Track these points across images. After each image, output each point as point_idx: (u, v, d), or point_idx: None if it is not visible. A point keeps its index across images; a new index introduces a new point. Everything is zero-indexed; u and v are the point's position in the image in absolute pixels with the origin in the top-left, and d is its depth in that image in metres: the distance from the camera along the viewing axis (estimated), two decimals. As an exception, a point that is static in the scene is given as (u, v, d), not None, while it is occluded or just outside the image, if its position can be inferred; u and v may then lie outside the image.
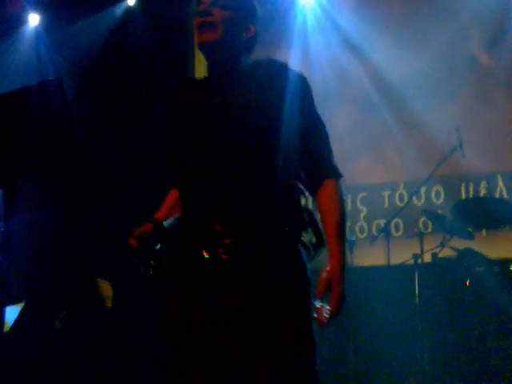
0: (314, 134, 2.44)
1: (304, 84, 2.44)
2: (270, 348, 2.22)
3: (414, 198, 6.24)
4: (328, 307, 2.28)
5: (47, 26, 7.03)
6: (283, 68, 2.44)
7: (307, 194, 2.47)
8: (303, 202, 2.43)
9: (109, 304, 5.06)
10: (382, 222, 6.18)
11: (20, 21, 7.05)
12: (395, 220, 6.16)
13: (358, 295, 5.42)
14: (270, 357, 2.21)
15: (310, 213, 2.39)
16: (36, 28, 7.10)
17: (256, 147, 2.31)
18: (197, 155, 2.33)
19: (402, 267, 5.58)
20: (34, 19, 7.10)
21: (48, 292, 5.23)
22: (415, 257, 5.40)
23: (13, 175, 2.40)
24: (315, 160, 2.43)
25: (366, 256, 5.98)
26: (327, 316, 2.26)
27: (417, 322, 5.18)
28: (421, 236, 5.60)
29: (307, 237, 2.36)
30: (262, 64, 2.46)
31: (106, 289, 5.23)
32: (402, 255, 5.66)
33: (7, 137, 2.43)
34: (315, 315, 2.28)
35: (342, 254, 2.35)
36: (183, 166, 2.38)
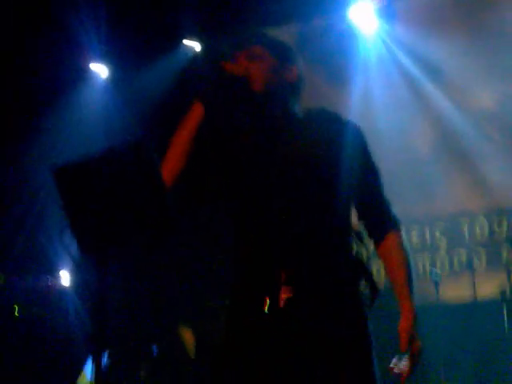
0: (373, 185, 2.41)
1: (360, 135, 2.40)
2: None
3: (496, 227, 6.06)
4: (404, 363, 2.26)
5: (115, 77, 7.14)
6: (337, 119, 2.40)
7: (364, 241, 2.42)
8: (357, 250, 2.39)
9: (191, 355, 5.04)
10: (464, 255, 6.02)
11: (85, 73, 7.18)
12: (478, 252, 5.98)
13: (445, 334, 5.25)
14: None
15: (363, 264, 2.35)
16: (103, 79, 7.20)
17: (316, 198, 2.28)
18: (257, 202, 2.30)
19: (488, 302, 5.40)
20: (101, 70, 7.21)
21: (133, 341, 5.26)
22: (502, 292, 5.22)
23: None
24: (376, 213, 2.41)
25: (450, 292, 5.81)
26: (405, 371, 2.25)
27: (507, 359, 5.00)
28: (507, 267, 5.42)
29: (363, 288, 2.33)
30: (315, 113, 2.43)
31: (189, 338, 5.22)
32: (488, 289, 5.47)
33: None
34: (395, 371, 2.26)
35: (413, 310, 2.30)
36: (244, 210, 2.34)
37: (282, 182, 2.28)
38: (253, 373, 2.21)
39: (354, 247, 2.36)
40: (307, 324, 2.20)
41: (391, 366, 2.27)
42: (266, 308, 2.22)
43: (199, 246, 6.10)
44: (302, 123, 2.39)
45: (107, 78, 7.22)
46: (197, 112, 2.31)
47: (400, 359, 2.27)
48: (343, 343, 2.20)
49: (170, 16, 6.58)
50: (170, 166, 2.29)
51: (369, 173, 2.40)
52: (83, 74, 7.15)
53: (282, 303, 2.20)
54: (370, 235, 2.41)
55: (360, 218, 2.40)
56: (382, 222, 2.40)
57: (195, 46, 7.00)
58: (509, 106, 6.21)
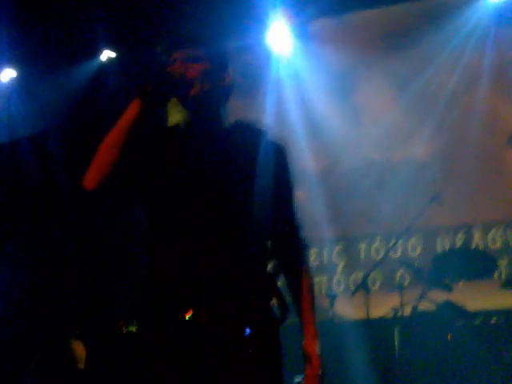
0: (289, 205, 2.48)
1: (285, 154, 2.46)
2: None
3: (391, 251, 6.19)
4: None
5: (21, 81, 6.95)
6: (265, 135, 2.44)
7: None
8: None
9: (81, 366, 4.91)
10: (360, 275, 6.13)
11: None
12: (372, 273, 6.09)
13: (338, 351, 5.32)
14: None
15: (275, 283, 2.42)
16: (9, 83, 6.98)
17: (232, 214, 2.30)
18: (176, 207, 2.30)
19: (381, 321, 5.50)
20: (6, 74, 6.98)
21: (18, 351, 5.08)
22: (395, 311, 5.33)
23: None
24: (289, 234, 2.47)
25: (345, 310, 5.90)
26: None
27: (397, 378, 5.10)
28: (400, 289, 5.53)
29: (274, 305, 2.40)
30: (242, 125, 2.47)
31: (79, 349, 5.09)
32: (381, 308, 5.58)
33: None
34: None
35: (316, 334, 2.43)
36: (162, 216, 2.33)
37: (202, 193, 2.30)
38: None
39: (268, 265, 2.40)
40: (221, 336, 2.24)
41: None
42: (187, 317, 2.24)
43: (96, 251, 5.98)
44: (228, 132, 2.42)
45: (12, 81, 6.98)
46: (134, 109, 2.30)
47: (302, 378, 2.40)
48: (255, 354, 2.26)
49: (88, 25, 6.49)
50: (102, 159, 2.29)
51: (284, 192, 2.46)
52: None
53: (200, 316, 2.23)
54: (277, 257, 2.48)
55: (270, 238, 2.45)
56: (291, 245, 2.47)
57: (113, 55, 6.91)
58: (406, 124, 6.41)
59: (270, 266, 2.43)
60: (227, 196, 2.31)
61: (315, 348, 2.41)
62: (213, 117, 2.42)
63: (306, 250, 2.52)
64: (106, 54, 6.87)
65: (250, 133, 2.44)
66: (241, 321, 2.27)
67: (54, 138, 6.48)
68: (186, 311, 2.24)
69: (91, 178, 2.28)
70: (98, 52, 6.88)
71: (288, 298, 2.43)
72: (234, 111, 2.50)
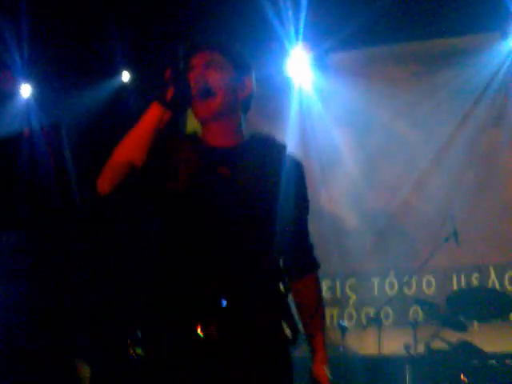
0: (303, 223, 2.42)
1: (301, 171, 2.42)
2: None
3: (405, 287, 6.09)
4: None
5: (39, 97, 6.96)
6: (283, 150, 2.38)
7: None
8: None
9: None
10: (372, 310, 6.02)
11: (10, 95, 6.97)
12: (385, 308, 5.99)
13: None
14: None
15: (288, 304, 2.34)
16: (27, 99, 7.01)
17: (250, 225, 2.24)
18: (189, 220, 2.25)
19: (393, 358, 5.38)
20: (25, 90, 7.01)
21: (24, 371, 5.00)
22: (407, 348, 5.20)
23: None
24: (302, 250, 2.42)
25: (357, 344, 5.79)
26: None
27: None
28: (413, 326, 5.41)
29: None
30: (262, 140, 2.40)
31: (83, 369, 5.01)
32: (393, 345, 5.47)
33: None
34: None
35: (327, 358, 2.37)
36: (176, 228, 2.28)
37: (216, 205, 2.24)
38: None
39: (281, 286, 2.31)
40: (231, 353, 2.17)
41: None
42: (199, 331, 2.15)
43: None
44: (247, 147, 2.35)
45: (30, 98, 6.99)
46: (153, 113, 2.22)
47: None
48: (266, 373, 2.18)
49: (107, 44, 6.53)
50: (116, 163, 2.21)
51: (301, 210, 2.39)
52: (6, 95, 6.93)
53: (210, 333, 2.15)
54: (289, 272, 2.38)
55: (282, 252, 2.35)
56: (304, 262, 2.40)
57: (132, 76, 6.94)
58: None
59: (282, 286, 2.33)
60: (242, 209, 2.24)
61: (326, 372, 2.33)
62: (232, 126, 2.35)
63: (318, 267, 2.43)
64: (126, 75, 6.89)
65: (268, 145, 2.38)
66: (251, 339, 2.19)
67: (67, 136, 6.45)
68: (196, 326, 2.15)
69: (104, 183, 2.21)
70: (117, 72, 6.89)
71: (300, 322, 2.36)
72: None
